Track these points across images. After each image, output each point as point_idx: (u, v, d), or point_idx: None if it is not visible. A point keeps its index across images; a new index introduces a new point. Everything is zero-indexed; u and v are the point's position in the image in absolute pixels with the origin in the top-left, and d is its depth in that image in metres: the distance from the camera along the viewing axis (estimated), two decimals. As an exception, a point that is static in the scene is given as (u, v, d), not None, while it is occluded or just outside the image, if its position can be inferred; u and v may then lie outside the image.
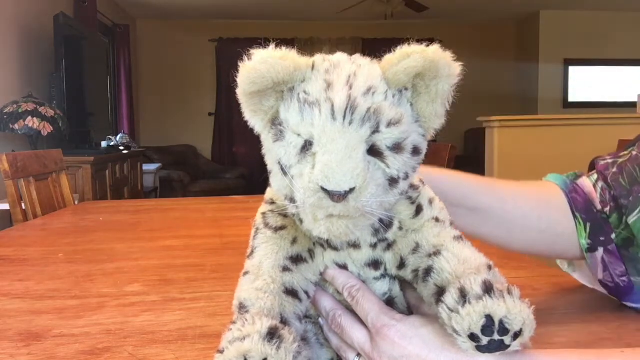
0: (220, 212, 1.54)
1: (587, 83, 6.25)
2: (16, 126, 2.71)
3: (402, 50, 0.38)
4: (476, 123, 3.79)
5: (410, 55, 0.37)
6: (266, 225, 0.45)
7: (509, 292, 0.35)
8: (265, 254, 0.43)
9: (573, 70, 6.18)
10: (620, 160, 0.63)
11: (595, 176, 0.65)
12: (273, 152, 0.40)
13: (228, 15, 6.04)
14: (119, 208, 1.65)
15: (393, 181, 0.38)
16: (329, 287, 0.45)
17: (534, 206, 0.63)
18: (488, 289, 0.35)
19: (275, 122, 0.39)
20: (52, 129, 2.81)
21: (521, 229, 0.62)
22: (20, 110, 2.74)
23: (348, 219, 0.37)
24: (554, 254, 0.65)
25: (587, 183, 0.64)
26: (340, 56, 0.40)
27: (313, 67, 0.39)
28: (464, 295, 0.35)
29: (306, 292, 0.43)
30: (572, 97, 6.22)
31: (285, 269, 0.42)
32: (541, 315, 0.61)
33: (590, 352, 0.41)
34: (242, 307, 0.40)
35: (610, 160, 0.64)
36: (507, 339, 0.34)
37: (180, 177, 5.42)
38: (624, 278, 0.60)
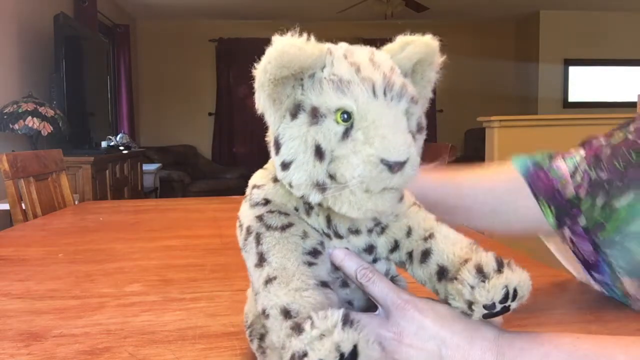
0: (220, 212, 1.54)
1: (587, 83, 6.25)
2: (16, 126, 2.71)
3: (402, 39, 0.41)
4: (476, 123, 3.79)
5: (411, 43, 0.40)
6: (268, 227, 0.41)
7: (513, 264, 0.40)
8: (283, 255, 0.40)
9: (573, 70, 6.18)
10: (613, 141, 0.64)
11: (578, 157, 0.66)
12: (306, 138, 0.37)
13: (228, 15, 6.03)
14: (119, 208, 1.65)
15: None
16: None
17: (504, 200, 0.68)
18: (500, 263, 0.39)
19: (300, 108, 0.38)
20: (52, 129, 2.81)
21: (498, 222, 0.69)
22: (20, 110, 2.74)
23: (396, 192, 0.39)
24: (531, 233, 0.70)
25: (561, 165, 0.67)
26: (344, 44, 0.41)
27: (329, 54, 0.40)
28: (480, 271, 0.39)
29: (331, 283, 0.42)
30: (572, 97, 6.22)
31: (311, 264, 0.40)
32: (541, 315, 0.61)
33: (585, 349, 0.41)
34: (288, 313, 0.36)
35: (604, 142, 0.65)
36: (513, 304, 0.38)
37: (180, 177, 5.43)
38: (592, 257, 0.63)
